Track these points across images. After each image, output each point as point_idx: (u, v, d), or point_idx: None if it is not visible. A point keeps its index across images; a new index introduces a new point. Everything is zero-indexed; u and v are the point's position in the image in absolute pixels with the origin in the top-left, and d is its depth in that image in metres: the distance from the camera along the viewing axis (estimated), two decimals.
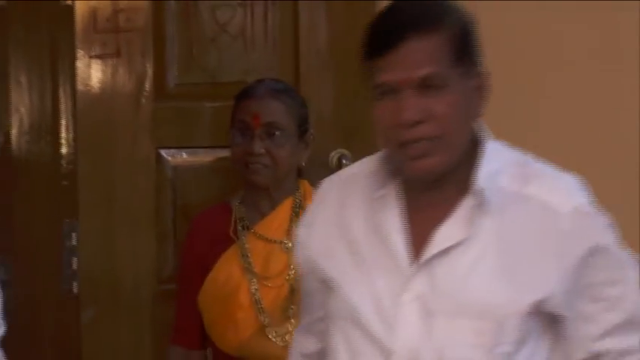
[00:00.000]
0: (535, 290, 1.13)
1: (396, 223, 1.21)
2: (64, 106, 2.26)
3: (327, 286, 1.21)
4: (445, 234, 1.15)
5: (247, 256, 1.97)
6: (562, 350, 1.18)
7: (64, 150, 2.26)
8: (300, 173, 2.09)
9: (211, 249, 1.99)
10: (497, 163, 1.17)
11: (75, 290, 2.19)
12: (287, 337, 1.94)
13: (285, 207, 2.01)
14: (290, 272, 1.97)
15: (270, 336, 1.96)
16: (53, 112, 2.27)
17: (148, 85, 2.20)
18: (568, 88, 2.49)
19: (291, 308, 1.95)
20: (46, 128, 2.27)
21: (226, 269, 1.97)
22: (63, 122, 2.27)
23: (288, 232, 1.97)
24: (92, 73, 2.19)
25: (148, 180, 2.21)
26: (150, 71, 2.20)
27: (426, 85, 1.11)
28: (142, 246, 2.20)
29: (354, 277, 1.18)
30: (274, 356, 1.93)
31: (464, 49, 1.14)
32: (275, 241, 1.99)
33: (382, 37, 1.13)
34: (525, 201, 1.16)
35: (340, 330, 1.19)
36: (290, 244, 1.95)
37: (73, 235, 2.20)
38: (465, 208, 1.15)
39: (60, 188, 2.25)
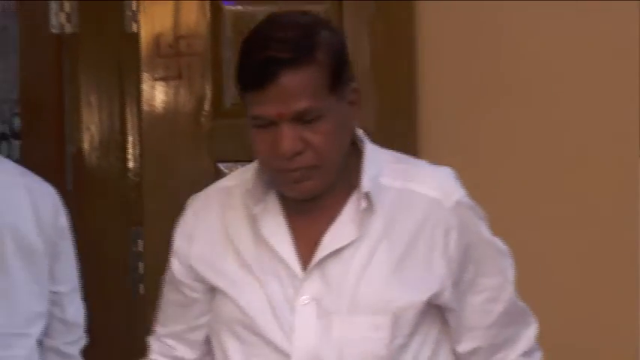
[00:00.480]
0: (427, 284, 1.14)
1: (282, 232, 1.20)
2: (131, 124, 2.38)
3: (212, 296, 1.20)
4: (335, 236, 1.14)
5: None
6: (449, 340, 1.20)
7: (130, 164, 2.38)
8: None
9: None
10: (377, 163, 1.18)
11: (141, 292, 2.30)
12: None
13: None
14: None
15: None
16: (121, 130, 2.39)
17: (206, 105, 2.31)
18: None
19: None
20: (114, 144, 2.39)
21: None
22: (130, 139, 2.38)
23: None
24: (156, 94, 2.30)
25: None
26: (208, 92, 2.30)
27: (302, 118, 1.10)
28: None
29: (246, 286, 1.17)
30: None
31: (338, 75, 1.13)
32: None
33: (256, 72, 1.10)
34: (409, 197, 1.17)
35: (235, 337, 1.17)
36: None
37: (139, 241, 2.31)
38: (352, 209, 1.15)
39: (127, 199, 2.37)
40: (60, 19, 2.42)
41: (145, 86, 2.31)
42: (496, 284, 1.19)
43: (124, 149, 2.39)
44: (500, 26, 2.41)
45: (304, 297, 1.14)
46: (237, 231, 1.19)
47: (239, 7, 2.31)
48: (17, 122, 2.68)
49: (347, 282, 1.13)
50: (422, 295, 1.14)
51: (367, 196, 1.13)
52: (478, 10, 2.40)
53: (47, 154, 2.44)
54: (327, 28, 1.19)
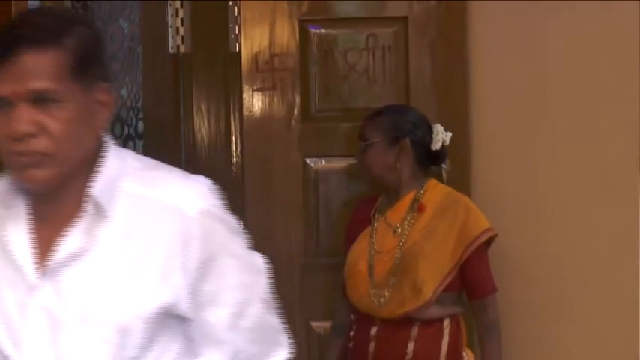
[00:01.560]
0: (159, 294, 1.06)
1: (23, 238, 1.10)
2: (234, 127, 2.60)
3: None
4: (66, 244, 1.06)
5: (373, 235, 2.19)
6: (192, 352, 1.11)
7: (234, 160, 2.60)
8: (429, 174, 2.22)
9: (358, 228, 2.25)
10: (118, 169, 1.09)
11: None
12: (381, 299, 2.13)
13: (406, 200, 2.17)
14: (396, 250, 2.14)
15: (371, 296, 2.15)
16: (226, 132, 2.62)
17: (296, 111, 2.48)
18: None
19: (391, 279, 2.13)
20: (220, 144, 2.63)
21: (360, 243, 2.22)
22: (233, 139, 2.60)
23: (402, 220, 2.16)
24: (254, 102, 2.47)
25: (297, 181, 2.49)
26: (297, 100, 2.47)
27: (40, 99, 1.01)
28: (293, 230, 2.46)
29: None
30: (372, 310, 2.15)
31: (84, 65, 1.04)
32: (391, 226, 2.18)
33: None
34: (149, 204, 1.08)
35: None
36: (400, 229, 2.16)
37: (241, 221, 2.38)
38: (85, 217, 1.06)
39: (231, 189, 2.34)
40: (176, 41, 2.63)
41: (246, 96, 2.47)
42: (240, 299, 1.10)
43: (228, 148, 2.61)
44: (544, 43, 2.49)
45: (34, 305, 1.06)
46: None
47: (322, 31, 2.48)
48: (141, 126, 2.87)
49: (77, 292, 1.05)
50: (151, 306, 1.05)
51: (96, 201, 1.06)
52: (522, 32, 2.49)
53: (165, 153, 2.60)
54: (84, 24, 1.11)
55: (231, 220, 1.13)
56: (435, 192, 2.21)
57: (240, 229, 1.15)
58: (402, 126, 2.18)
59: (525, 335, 2.45)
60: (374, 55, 2.50)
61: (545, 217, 2.51)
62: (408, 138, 2.15)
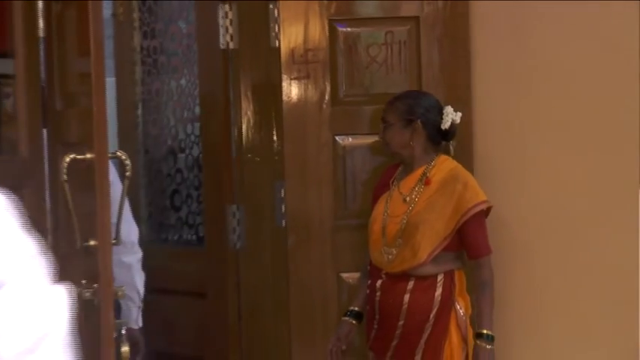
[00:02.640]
0: None
1: None
2: (275, 111, 2.79)
3: None
4: None
5: (388, 200, 2.46)
6: None
7: (275, 139, 2.80)
8: (442, 150, 2.47)
9: (382, 190, 2.52)
10: None
11: (284, 225, 2.69)
12: (389, 256, 2.38)
13: (417, 173, 2.44)
14: (404, 216, 2.39)
15: (382, 253, 2.41)
16: (267, 115, 2.83)
17: (327, 96, 2.70)
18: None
19: (398, 240, 2.37)
20: (263, 125, 2.84)
21: (379, 206, 2.48)
22: (274, 121, 2.80)
23: (411, 190, 2.43)
24: (292, 89, 2.69)
25: (328, 155, 2.70)
26: (328, 87, 2.68)
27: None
28: (324, 197, 2.66)
29: None
30: (381, 265, 2.43)
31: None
32: (402, 194, 2.44)
33: None
34: None
35: None
36: (408, 198, 2.41)
37: (282, 190, 2.71)
38: None
39: (273, 162, 2.78)
40: (226, 38, 2.84)
41: (284, 84, 2.68)
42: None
43: (270, 128, 2.82)
44: (536, 37, 2.71)
45: None
46: None
47: (348, 29, 2.72)
48: (197, 110, 3.11)
49: None
50: None
51: None
52: (517, 28, 2.71)
53: (218, 133, 2.91)
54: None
55: None
56: (442, 167, 2.46)
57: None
58: (416, 110, 2.45)
59: (520, 295, 2.70)
60: (391, 49, 2.73)
61: (538, 183, 2.76)
62: (419, 120, 2.43)
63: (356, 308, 2.50)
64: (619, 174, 2.62)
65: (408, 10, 2.73)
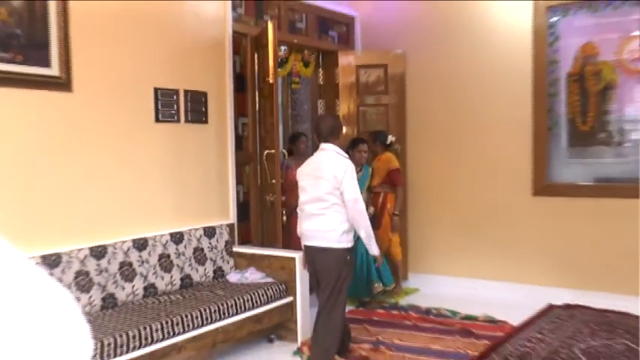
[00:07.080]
0: None
1: None
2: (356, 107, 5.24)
3: None
4: None
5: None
6: None
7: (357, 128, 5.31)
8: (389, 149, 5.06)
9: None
10: None
11: None
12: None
13: (381, 158, 5.16)
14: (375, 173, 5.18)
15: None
16: (349, 113, 5.19)
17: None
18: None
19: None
20: (350, 119, 5.24)
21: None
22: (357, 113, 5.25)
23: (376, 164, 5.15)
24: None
25: None
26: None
27: None
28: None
29: None
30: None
31: None
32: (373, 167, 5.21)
33: None
34: None
35: None
36: (375, 167, 5.16)
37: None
38: None
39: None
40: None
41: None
42: None
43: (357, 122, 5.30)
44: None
45: None
46: None
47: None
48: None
49: None
50: None
51: None
52: (437, 76, 4.99)
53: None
54: None
55: None
56: (385, 156, 5.11)
57: None
58: (377, 137, 5.16)
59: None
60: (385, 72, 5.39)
61: (432, 168, 5.36)
62: (378, 141, 5.13)
63: None
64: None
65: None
